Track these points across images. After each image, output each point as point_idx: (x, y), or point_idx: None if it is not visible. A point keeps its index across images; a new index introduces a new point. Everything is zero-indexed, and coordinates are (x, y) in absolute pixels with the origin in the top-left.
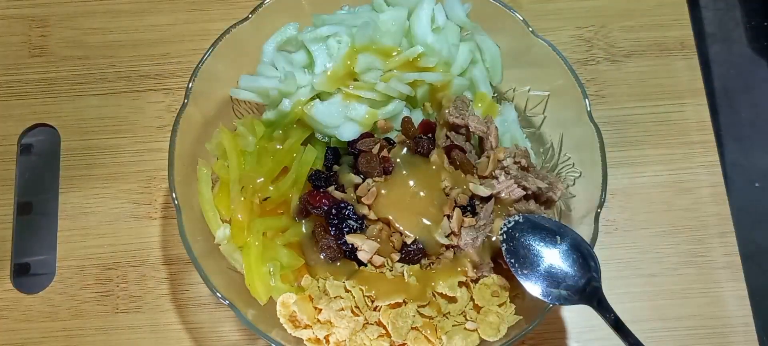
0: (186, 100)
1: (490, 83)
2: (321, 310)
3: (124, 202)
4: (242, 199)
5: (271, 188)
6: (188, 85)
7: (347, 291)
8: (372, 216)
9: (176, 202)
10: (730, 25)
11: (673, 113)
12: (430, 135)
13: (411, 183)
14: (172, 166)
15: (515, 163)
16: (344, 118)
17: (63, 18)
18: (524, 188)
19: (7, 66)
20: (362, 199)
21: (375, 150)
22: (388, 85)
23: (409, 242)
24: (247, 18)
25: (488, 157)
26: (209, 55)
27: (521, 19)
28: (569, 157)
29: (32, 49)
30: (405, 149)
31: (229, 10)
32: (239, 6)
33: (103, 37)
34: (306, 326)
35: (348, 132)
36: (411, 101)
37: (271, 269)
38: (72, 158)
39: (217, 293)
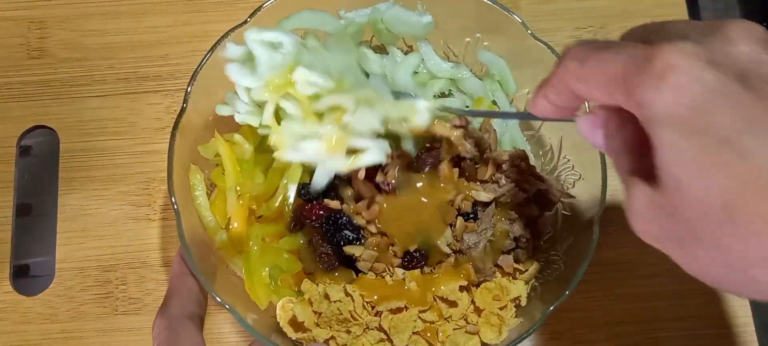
0: (185, 105)
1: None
2: (321, 314)
3: (123, 203)
4: (240, 203)
5: (264, 206)
6: (187, 88)
7: (347, 295)
8: (372, 229)
9: (176, 206)
10: None
11: None
12: (436, 149)
13: (412, 196)
14: (171, 171)
15: (514, 166)
16: (323, 174)
17: (61, 20)
18: (525, 191)
19: (5, 68)
20: (362, 213)
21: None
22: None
23: (411, 249)
24: (245, 21)
25: (487, 161)
26: (208, 58)
27: (520, 21)
28: (569, 160)
29: (31, 51)
30: (398, 167)
31: (228, 11)
32: (238, 8)
33: (102, 38)
34: (306, 331)
35: (324, 182)
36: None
37: (271, 274)
38: (71, 160)
39: (217, 298)
